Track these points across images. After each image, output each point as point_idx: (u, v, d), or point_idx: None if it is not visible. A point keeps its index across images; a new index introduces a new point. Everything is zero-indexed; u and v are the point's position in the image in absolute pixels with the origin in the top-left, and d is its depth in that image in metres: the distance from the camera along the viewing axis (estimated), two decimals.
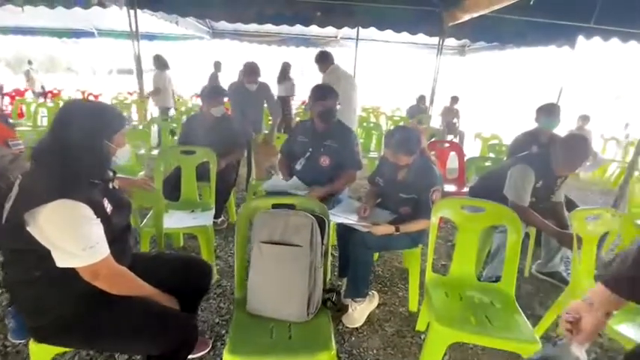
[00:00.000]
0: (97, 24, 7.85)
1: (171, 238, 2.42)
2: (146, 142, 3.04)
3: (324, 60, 3.04)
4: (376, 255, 2.31)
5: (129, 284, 1.11)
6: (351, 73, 2.97)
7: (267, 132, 3.30)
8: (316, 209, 1.40)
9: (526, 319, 1.35)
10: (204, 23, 7.45)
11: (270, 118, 3.37)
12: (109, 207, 1.07)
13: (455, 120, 6.45)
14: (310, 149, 2.09)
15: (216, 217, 2.79)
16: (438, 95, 6.51)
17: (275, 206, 1.41)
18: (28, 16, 7.04)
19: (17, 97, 7.38)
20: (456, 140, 6.35)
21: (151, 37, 8.31)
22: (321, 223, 1.31)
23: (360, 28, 5.95)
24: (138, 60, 5.56)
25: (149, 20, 6.44)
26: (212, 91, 2.68)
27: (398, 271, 2.33)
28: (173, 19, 6.23)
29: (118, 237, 1.13)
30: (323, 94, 2.02)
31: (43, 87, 8.75)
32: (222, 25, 7.83)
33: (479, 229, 1.57)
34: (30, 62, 9.33)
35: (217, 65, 7.44)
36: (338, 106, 2.03)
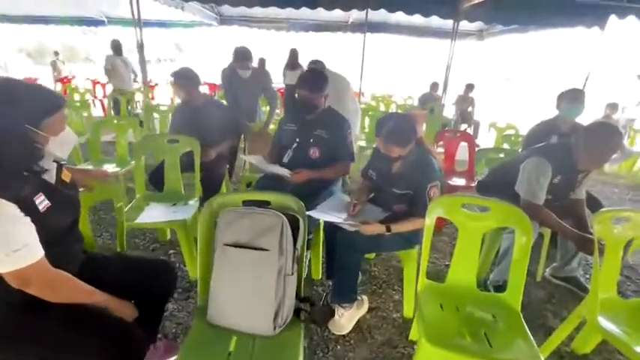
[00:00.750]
0: (107, 12, 7.83)
1: (157, 232, 2.32)
2: (134, 131, 2.92)
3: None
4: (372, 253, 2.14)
5: (70, 291, 0.98)
6: (343, 72, 2.70)
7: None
8: (293, 206, 1.24)
9: (532, 339, 1.15)
10: (211, 9, 7.28)
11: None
12: (44, 204, 0.94)
13: (470, 109, 6.09)
14: (298, 139, 1.91)
15: None
16: (454, 83, 6.16)
17: (246, 203, 1.25)
18: (40, 4, 7.08)
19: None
20: (470, 130, 6.02)
21: (160, 24, 8.25)
22: (295, 223, 1.14)
23: (369, 11, 5.66)
24: (140, 48, 5.46)
25: (154, 7, 6.34)
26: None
27: (395, 271, 2.15)
28: (178, 4, 6.11)
29: (59, 238, 1.00)
30: (302, 82, 1.83)
31: (68, 77, 8.84)
32: (230, 10, 7.68)
33: (481, 231, 1.36)
34: (56, 53, 9.37)
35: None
36: (324, 99, 1.85)
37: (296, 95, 1.88)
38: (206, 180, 2.52)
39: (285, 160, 1.94)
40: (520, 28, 6.43)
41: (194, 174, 2.47)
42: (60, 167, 1.07)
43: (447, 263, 2.30)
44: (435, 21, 7.15)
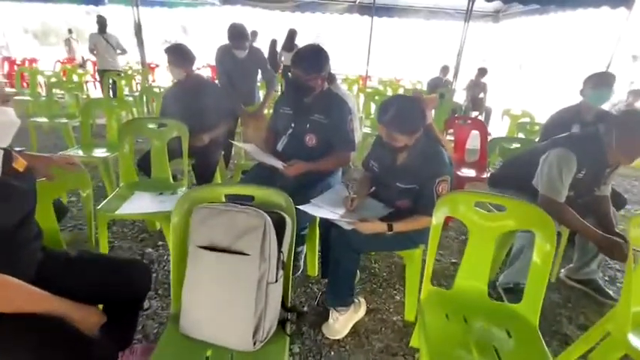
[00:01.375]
0: None
1: (146, 221, 2.19)
2: (129, 113, 2.77)
3: None
4: None
5: (18, 299, 0.85)
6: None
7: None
8: (281, 203, 1.09)
9: (549, 356, 1.00)
10: None
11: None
12: None
13: (481, 95, 5.80)
14: (293, 124, 1.74)
15: None
16: (466, 67, 5.85)
17: (230, 197, 1.11)
18: None
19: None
20: (482, 118, 5.75)
21: (161, 3, 7.97)
22: (281, 223, 0.99)
23: None
24: (138, 27, 5.26)
25: None
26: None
27: (398, 268, 2.01)
28: None
29: (5, 236, 0.87)
30: (298, 60, 1.59)
31: (82, 57, 8.58)
32: None
33: (496, 233, 1.20)
34: (70, 31, 8.99)
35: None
36: (322, 80, 1.64)
37: (289, 75, 1.69)
38: (198, 167, 2.38)
39: (279, 147, 1.78)
40: (540, 9, 6.02)
41: (192, 159, 2.35)
42: (9, 155, 0.92)
43: (453, 261, 2.15)
44: (447, 1, 6.80)
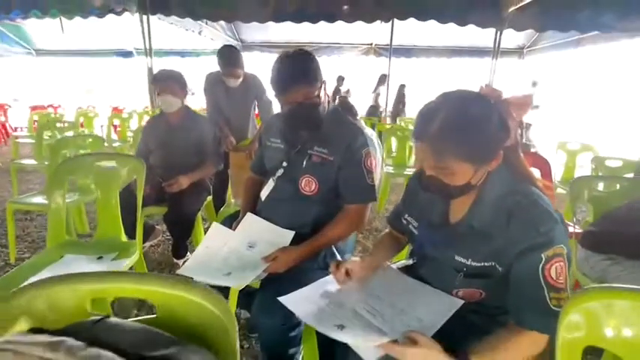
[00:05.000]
0: (135, 44, 7.95)
1: None
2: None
3: None
4: None
5: None
6: None
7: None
8: (211, 314, 0.49)
9: None
10: (232, 34, 7.13)
11: None
12: None
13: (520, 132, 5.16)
14: (285, 163, 1.18)
15: (177, 256, 1.98)
16: None
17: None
18: (72, 39, 7.29)
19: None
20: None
21: (182, 53, 8.23)
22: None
23: (395, 35, 5.12)
24: (151, 75, 5.19)
25: (172, 33, 6.22)
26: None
27: None
28: (196, 28, 5.90)
29: None
30: (274, 79, 1.05)
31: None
32: (252, 36, 7.52)
33: None
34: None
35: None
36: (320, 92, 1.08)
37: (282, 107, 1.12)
38: (171, 218, 1.85)
39: (263, 195, 1.21)
40: (572, 42, 5.58)
41: (164, 207, 1.84)
42: None
43: None
44: (469, 40, 6.56)
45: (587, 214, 1.74)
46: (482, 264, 0.73)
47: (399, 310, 0.78)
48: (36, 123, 5.53)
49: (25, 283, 0.48)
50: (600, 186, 1.53)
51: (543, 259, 0.65)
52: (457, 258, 0.76)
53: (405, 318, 0.75)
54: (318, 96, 1.06)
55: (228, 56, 2.09)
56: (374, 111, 6.80)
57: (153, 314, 0.52)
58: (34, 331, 0.41)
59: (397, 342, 0.65)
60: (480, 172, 0.70)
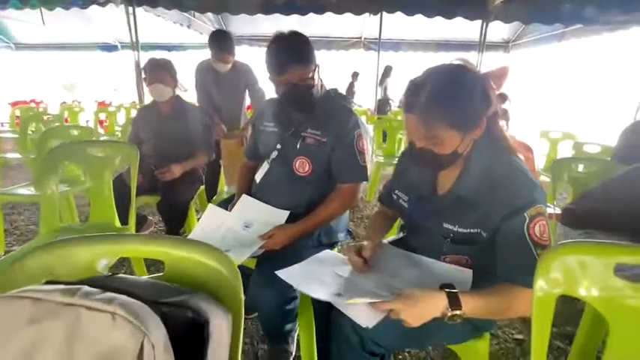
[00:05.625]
0: (119, 37, 7.76)
1: None
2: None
3: None
4: None
5: None
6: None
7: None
8: (216, 270, 0.52)
9: None
10: (220, 28, 7.03)
11: None
12: None
13: (502, 122, 5.29)
14: (279, 145, 1.21)
15: None
16: None
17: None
18: (53, 32, 7.08)
19: None
20: None
21: (168, 47, 8.08)
22: (196, 330, 0.41)
23: (383, 30, 5.15)
24: (138, 69, 5.10)
25: (158, 26, 6.10)
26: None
27: (440, 352, 1.35)
28: (185, 21, 5.81)
29: None
30: (272, 57, 1.06)
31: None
32: (241, 30, 7.43)
33: None
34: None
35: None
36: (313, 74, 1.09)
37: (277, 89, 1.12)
38: (164, 207, 1.86)
39: (258, 177, 1.23)
40: (557, 36, 5.72)
41: (157, 196, 1.84)
42: None
43: (516, 337, 1.48)
44: (455, 33, 6.65)
45: (567, 199, 1.83)
46: (469, 230, 0.78)
47: (407, 282, 0.81)
48: (18, 119, 5.38)
49: None
50: (580, 168, 1.61)
51: (527, 219, 0.70)
52: (445, 225, 0.81)
53: (388, 275, 0.80)
54: (312, 78, 1.09)
55: (219, 40, 2.09)
56: (383, 106, 6.65)
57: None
58: (50, 283, 0.43)
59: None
60: (466, 141, 0.75)
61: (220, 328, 0.42)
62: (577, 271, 0.60)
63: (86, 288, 0.41)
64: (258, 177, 1.23)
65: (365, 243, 0.88)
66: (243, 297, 0.49)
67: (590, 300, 0.59)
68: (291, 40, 1.06)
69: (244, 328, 1.45)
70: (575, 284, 0.60)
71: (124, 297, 0.40)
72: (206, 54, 2.14)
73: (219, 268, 0.51)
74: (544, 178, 2.81)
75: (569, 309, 1.65)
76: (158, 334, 0.37)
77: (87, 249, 0.52)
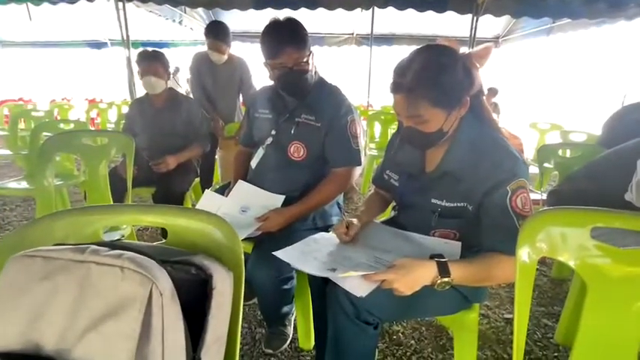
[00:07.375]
0: (108, 34, 7.66)
1: None
2: None
3: None
4: None
5: None
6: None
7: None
8: (217, 240, 0.54)
9: None
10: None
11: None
12: None
13: (493, 115, 5.37)
14: (273, 131, 1.23)
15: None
16: None
17: None
18: (40, 29, 6.96)
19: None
20: None
21: (159, 44, 8.00)
22: (199, 285, 0.44)
23: (375, 25, 5.18)
24: (129, 65, 5.05)
25: (149, 23, 6.04)
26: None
27: (432, 333, 1.39)
28: (177, 17, 5.76)
29: None
30: (275, 44, 1.07)
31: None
32: (232, 26, 7.37)
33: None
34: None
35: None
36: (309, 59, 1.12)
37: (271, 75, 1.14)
38: (159, 198, 1.87)
39: (253, 163, 1.26)
40: (544, 30, 5.83)
41: (152, 188, 1.85)
42: None
43: (506, 316, 1.53)
44: (447, 29, 6.71)
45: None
46: (455, 204, 0.82)
47: (398, 256, 0.84)
48: (7, 117, 5.29)
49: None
50: (567, 153, 1.67)
51: (509, 192, 0.74)
52: (433, 200, 0.85)
53: (382, 248, 0.83)
54: (307, 62, 1.11)
55: (216, 29, 2.10)
56: None
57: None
58: (58, 245, 0.45)
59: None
60: (451, 119, 0.78)
61: (223, 283, 0.45)
62: (557, 237, 0.64)
63: (95, 246, 0.43)
64: (253, 163, 1.25)
65: (354, 220, 0.91)
66: (243, 258, 0.52)
67: (567, 261, 0.63)
68: (286, 24, 1.08)
69: (242, 316, 1.48)
70: (555, 248, 0.64)
71: (131, 253, 0.42)
72: (197, 50, 2.14)
73: (218, 233, 0.53)
74: (533, 169, 2.90)
75: (557, 291, 1.72)
76: (165, 283, 0.39)
77: (91, 217, 0.54)
